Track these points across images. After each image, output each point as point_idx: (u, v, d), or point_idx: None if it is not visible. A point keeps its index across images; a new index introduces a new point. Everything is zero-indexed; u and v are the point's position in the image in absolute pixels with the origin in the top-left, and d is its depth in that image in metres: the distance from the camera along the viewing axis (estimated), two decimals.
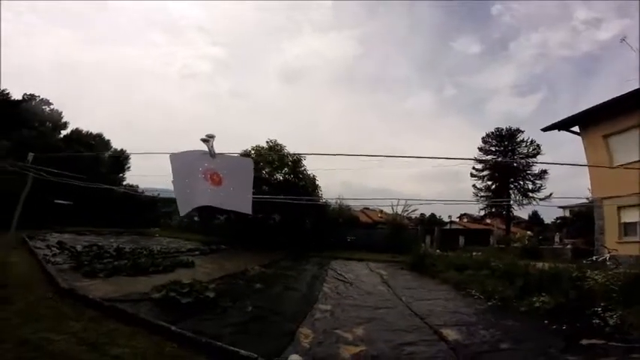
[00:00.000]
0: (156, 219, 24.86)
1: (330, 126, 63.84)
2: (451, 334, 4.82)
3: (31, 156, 5.15)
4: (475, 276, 9.29)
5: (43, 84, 61.93)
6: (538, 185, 29.99)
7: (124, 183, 25.84)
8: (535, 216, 41.30)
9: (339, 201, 22.06)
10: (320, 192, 20.48)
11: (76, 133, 24.15)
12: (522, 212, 37.25)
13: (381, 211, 29.97)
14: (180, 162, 1.76)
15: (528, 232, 29.65)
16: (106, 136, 26.42)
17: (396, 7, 58.25)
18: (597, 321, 4.92)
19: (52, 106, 23.56)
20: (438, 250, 15.87)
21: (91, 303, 5.04)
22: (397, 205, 20.13)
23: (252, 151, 19.30)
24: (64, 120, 23.72)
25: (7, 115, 18.00)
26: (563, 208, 27.99)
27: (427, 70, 70.33)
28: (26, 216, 11.00)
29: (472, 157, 31.37)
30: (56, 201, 19.83)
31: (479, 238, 24.17)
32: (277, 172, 19.03)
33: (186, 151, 1.81)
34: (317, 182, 20.26)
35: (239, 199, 1.92)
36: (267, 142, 19.40)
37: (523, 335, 4.83)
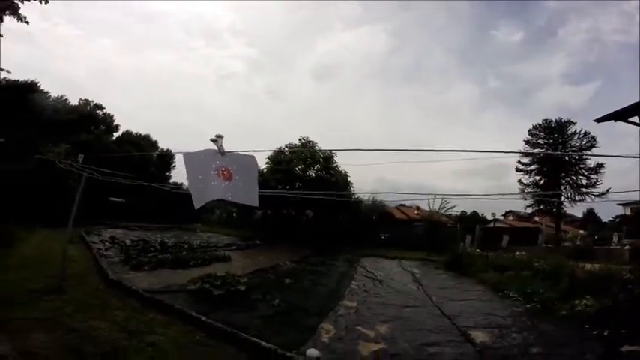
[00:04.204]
0: (198, 215, 26.19)
1: (365, 121, 63.09)
2: (480, 335, 4.67)
3: (81, 157, 5.72)
4: (516, 277, 8.84)
5: (88, 91, 68.14)
6: (593, 181, 27.24)
7: (171, 181, 27.46)
8: (590, 214, 37.89)
9: (372, 197, 21.76)
10: (352, 188, 20.40)
11: (127, 135, 26.09)
12: (576, 210, 34.00)
13: (418, 208, 29.16)
14: (194, 161, 1.96)
15: (581, 231, 27.22)
16: (153, 137, 28.11)
17: None
18: None
19: (104, 110, 25.60)
20: (477, 250, 15.17)
21: (134, 294, 5.54)
22: (434, 199, 19.45)
23: (286, 149, 19.73)
24: (115, 123, 25.65)
25: (66, 120, 19.98)
26: (624, 205, 25.35)
27: (467, 61, 66.83)
28: (84, 213, 12.27)
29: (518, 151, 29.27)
30: (111, 199, 21.76)
31: (526, 238, 22.60)
32: (310, 168, 19.27)
33: (199, 151, 2.01)
34: (349, 178, 20.23)
35: (247, 192, 2.13)
36: (299, 139, 19.73)
37: (559, 340, 4.56)
